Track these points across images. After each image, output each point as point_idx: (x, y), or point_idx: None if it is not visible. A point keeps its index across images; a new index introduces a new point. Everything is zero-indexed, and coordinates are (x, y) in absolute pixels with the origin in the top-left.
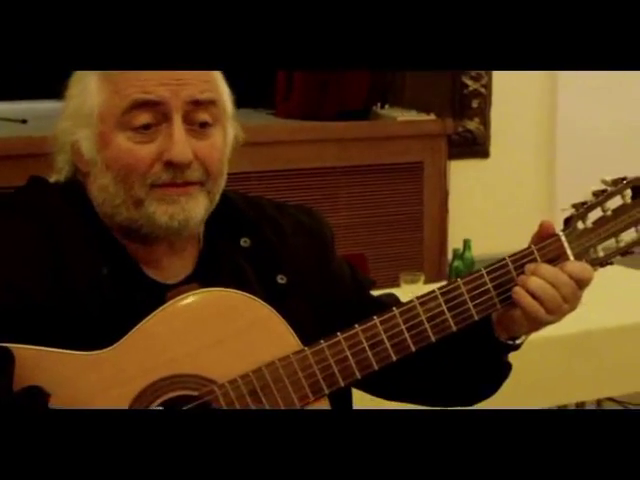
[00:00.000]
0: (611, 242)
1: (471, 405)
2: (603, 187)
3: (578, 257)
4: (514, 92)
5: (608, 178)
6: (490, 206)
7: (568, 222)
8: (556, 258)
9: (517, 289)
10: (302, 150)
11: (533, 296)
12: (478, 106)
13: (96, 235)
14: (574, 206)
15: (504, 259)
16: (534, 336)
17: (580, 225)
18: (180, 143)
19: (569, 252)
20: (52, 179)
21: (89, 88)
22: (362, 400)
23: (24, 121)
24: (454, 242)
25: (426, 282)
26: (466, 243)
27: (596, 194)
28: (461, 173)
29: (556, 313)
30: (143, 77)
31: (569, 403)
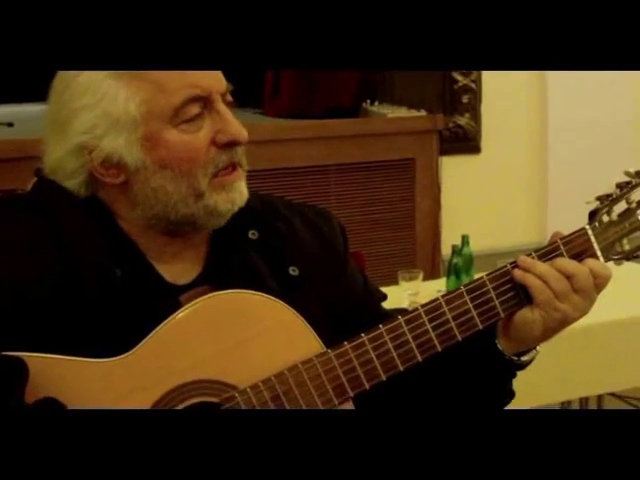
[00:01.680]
0: (638, 234)
1: None
2: (627, 179)
3: (604, 250)
4: (504, 87)
5: (632, 170)
6: (483, 201)
7: (593, 215)
8: (583, 252)
9: (517, 270)
10: (292, 148)
11: (540, 279)
12: (468, 101)
13: (109, 235)
14: (599, 199)
15: (530, 254)
16: None
17: (605, 218)
18: (236, 122)
19: (595, 246)
20: None
21: (113, 93)
22: None
23: (10, 124)
24: (447, 238)
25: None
26: (464, 239)
27: (620, 186)
28: (453, 169)
29: (566, 301)
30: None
31: (572, 399)
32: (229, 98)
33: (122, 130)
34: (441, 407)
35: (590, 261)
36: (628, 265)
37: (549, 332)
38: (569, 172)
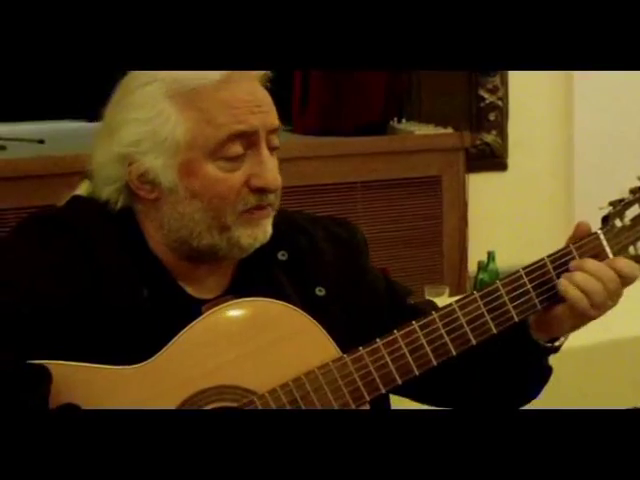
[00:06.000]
0: None
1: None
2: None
3: (617, 255)
4: (531, 104)
5: None
6: (510, 218)
7: (606, 220)
8: (595, 257)
9: (563, 281)
10: (320, 166)
11: (580, 289)
12: (495, 119)
13: (138, 254)
14: (611, 204)
15: (542, 259)
16: None
17: (618, 223)
18: (273, 171)
19: (608, 250)
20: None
21: (166, 115)
22: (399, 401)
23: (41, 141)
24: (475, 255)
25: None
26: (490, 255)
27: (633, 191)
28: (480, 186)
29: (601, 308)
30: (234, 105)
31: None
32: (276, 143)
33: (164, 152)
34: (477, 390)
35: (618, 261)
36: None
37: (577, 326)
38: (596, 188)
